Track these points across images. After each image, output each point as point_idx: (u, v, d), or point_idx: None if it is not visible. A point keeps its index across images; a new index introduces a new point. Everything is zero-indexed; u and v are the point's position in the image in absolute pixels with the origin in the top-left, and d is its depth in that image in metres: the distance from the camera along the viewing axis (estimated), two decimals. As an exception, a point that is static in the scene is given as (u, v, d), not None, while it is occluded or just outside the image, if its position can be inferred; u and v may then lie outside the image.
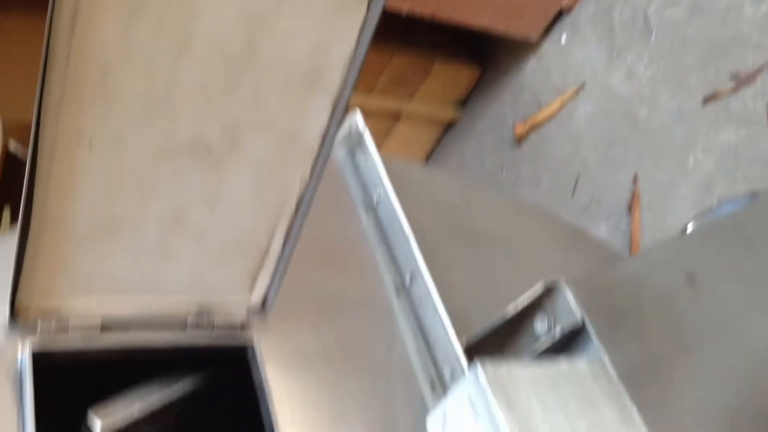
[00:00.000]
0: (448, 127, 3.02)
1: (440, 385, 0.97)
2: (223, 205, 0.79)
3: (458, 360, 0.95)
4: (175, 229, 0.81)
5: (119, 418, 0.87)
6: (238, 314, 0.90)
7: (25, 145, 0.69)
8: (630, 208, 2.28)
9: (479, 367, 0.80)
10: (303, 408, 0.90)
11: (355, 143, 1.17)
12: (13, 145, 2.23)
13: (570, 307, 0.89)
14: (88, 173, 0.73)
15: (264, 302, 0.91)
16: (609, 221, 2.35)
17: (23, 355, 0.78)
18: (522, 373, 0.81)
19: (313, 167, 0.80)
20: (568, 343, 0.91)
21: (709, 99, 2.16)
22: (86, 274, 0.81)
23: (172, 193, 0.76)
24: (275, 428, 0.86)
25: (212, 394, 0.95)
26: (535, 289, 0.92)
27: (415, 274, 1.04)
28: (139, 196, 0.75)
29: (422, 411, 0.92)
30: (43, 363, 0.79)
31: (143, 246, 0.81)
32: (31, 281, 0.79)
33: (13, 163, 2.18)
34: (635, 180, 2.30)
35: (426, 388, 0.98)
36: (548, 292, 0.92)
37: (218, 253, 0.86)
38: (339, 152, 1.18)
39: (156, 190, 0.75)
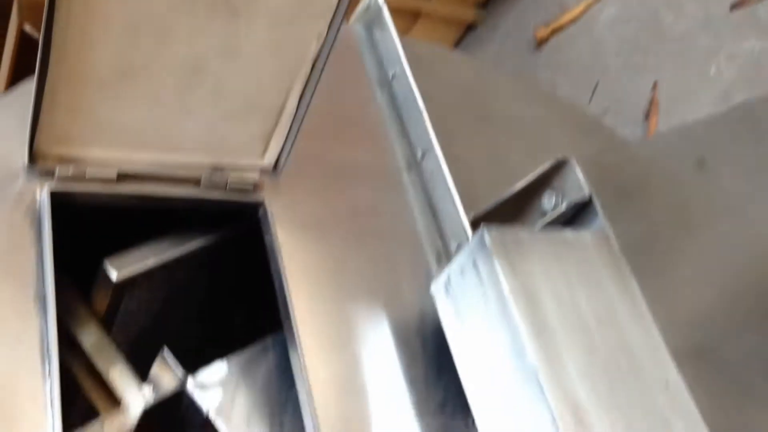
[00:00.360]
0: (468, 29, 2.97)
1: (446, 258, 0.99)
2: (240, 59, 0.80)
3: (465, 233, 0.97)
4: (193, 82, 0.81)
5: (134, 269, 0.90)
6: (251, 175, 0.92)
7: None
8: (647, 116, 2.26)
9: (485, 231, 0.81)
10: (312, 270, 0.92)
11: (374, 18, 1.15)
12: (29, 27, 2.21)
13: (578, 182, 0.90)
14: (106, 17, 0.74)
15: (276, 164, 0.92)
16: (625, 129, 2.34)
17: (42, 196, 0.80)
18: (527, 239, 0.83)
19: (330, 25, 0.80)
20: (574, 219, 0.93)
21: (737, 5, 2.10)
22: (103, 124, 0.83)
23: (190, 41, 0.76)
24: (285, 287, 0.88)
25: (224, 253, 0.97)
26: (545, 165, 0.93)
27: (427, 149, 1.04)
28: (156, 41, 0.75)
29: (427, 281, 0.94)
30: (61, 206, 0.82)
31: (160, 98, 0.82)
32: (49, 127, 0.80)
33: (30, 44, 2.17)
34: (654, 87, 2.27)
35: (432, 260, 1.00)
36: (557, 168, 0.92)
37: (234, 111, 0.86)
38: (356, 27, 1.16)
39: (173, 36, 0.75)
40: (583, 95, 2.45)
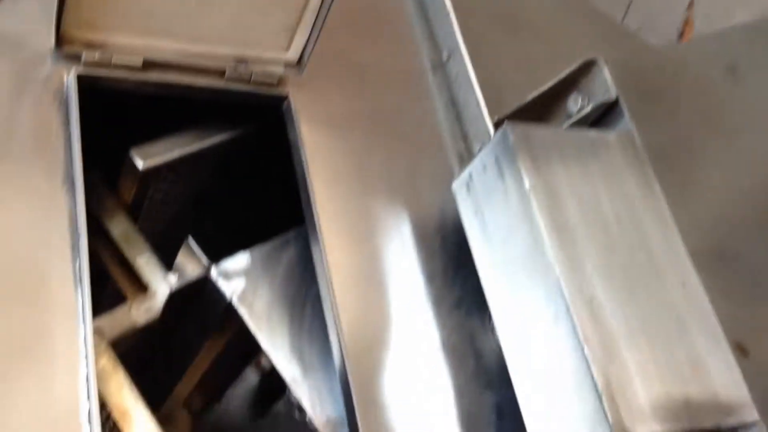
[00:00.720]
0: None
1: (469, 160, 0.99)
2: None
3: (489, 135, 0.97)
4: (217, -31, 0.80)
5: (159, 159, 0.91)
6: (276, 69, 0.91)
7: None
8: (681, 35, 2.20)
9: (508, 128, 0.81)
10: (335, 166, 0.93)
11: None
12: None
13: (605, 83, 0.89)
14: None
15: (300, 59, 0.92)
16: (657, 48, 2.28)
17: (69, 79, 0.81)
18: (550, 136, 0.82)
19: None
20: (599, 121, 0.92)
21: None
22: (130, 10, 0.82)
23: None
24: (307, 181, 0.89)
25: (248, 148, 0.98)
26: (572, 65, 0.91)
27: (453, 50, 1.03)
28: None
29: (449, 182, 0.94)
30: (88, 92, 0.82)
31: (186, -15, 0.81)
32: (76, 11, 0.80)
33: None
34: (690, 6, 2.20)
35: (454, 161, 1.00)
36: (585, 69, 0.91)
37: (259, 3, 0.86)
38: (384, -75, 1.14)
39: None
40: (617, 13, 2.39)
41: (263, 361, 1.18)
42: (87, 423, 0.70)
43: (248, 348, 1.04)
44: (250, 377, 1.20)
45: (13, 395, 0.69)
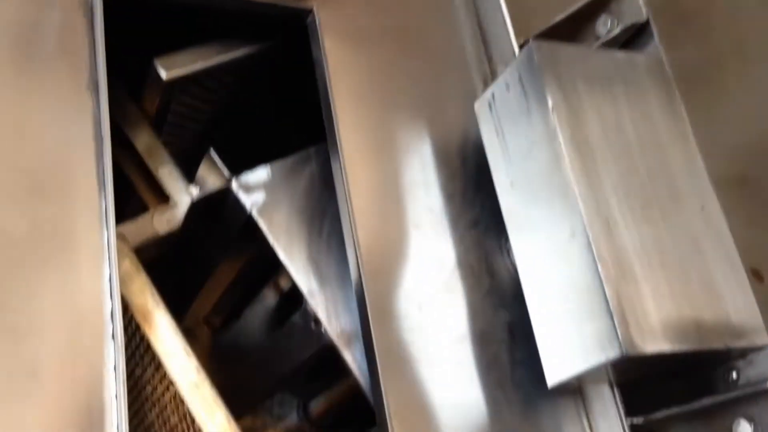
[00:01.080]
0: None
1: (493, 82, 0.98)
2: None
3: (514, 57, 0.95)
4: None
5: (183, 70, 0.92)
6: (301, -19, 0.91)
7: None
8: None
9: (533, 45, 0.80)
10: (358, 82, 0.92)
11: None
12: None
13: (637, 4, 0.87)
14: None
15: (327, -29, 0.90)
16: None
17: (93, -17, 0.81)
18: (577, 55, 0.81)
19: None
20: (628, 44, 0.90)
21: None
22: None
23: None
24: (330, 96, 0.89)
25: (270, 62, 0.98)
26: (603, -14, 0.89)
27: (482, -30, 1.01)
28: None
29: (472, 103, 0.93)
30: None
31: None
32: None
33: None
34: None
35: (478, 83, 0.99)
36: (616, -11, 0.89)
37: None
38: None
39: None
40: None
41: (282, 282, 1.20)
42: (110, 321, 0.72)
43: (267, 267, 1.06)
44: (269, 297, 1.23)
45: (39, 292, 0.71)
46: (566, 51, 0.81)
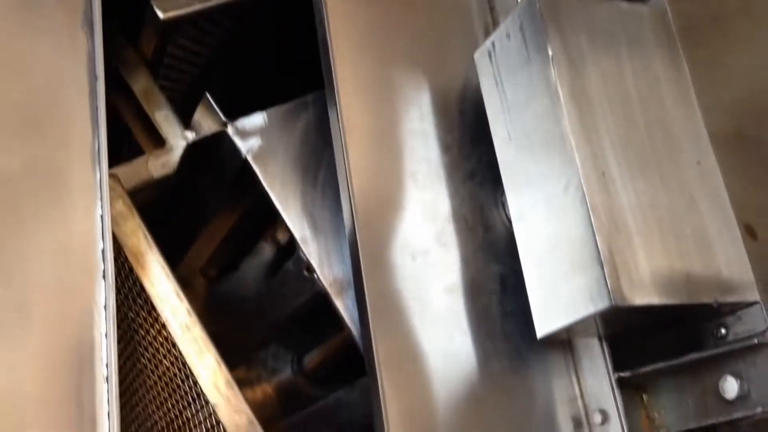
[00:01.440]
0: None
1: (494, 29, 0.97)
2: None
3: (517, 4, 0.94)
4: None
5: (180, 11, 0.90)
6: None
7: None
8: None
9: (535, -8, 0.78)
10: (357, 31, 0.91)
11: None
12: None
13: (643, -45, 0.85)
14: None
15: None
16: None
17: None
18: (580, 5, 0.80)
19: None
20: None
21: None
22: None
23: None
24: (329, 44, 0.88)
25: (269, 7, 0.96)
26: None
27: None
28: None
29: (472, 55, 0.92)
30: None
31: None
32: None
33: None
34: None
35: (480, 34, 0.98)
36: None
37: None
38: None
39: None
40: None
41: (279, 235, 1.20)
42: (101, 260, 0.72)
43: (264, 220, 1.06)
44: (266, 250, 1.23)
45: (31, 229, 0.71)
46: (569, 0, 0.79)
